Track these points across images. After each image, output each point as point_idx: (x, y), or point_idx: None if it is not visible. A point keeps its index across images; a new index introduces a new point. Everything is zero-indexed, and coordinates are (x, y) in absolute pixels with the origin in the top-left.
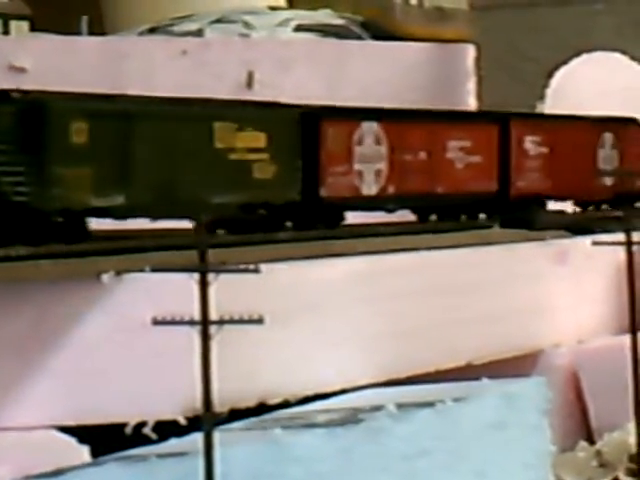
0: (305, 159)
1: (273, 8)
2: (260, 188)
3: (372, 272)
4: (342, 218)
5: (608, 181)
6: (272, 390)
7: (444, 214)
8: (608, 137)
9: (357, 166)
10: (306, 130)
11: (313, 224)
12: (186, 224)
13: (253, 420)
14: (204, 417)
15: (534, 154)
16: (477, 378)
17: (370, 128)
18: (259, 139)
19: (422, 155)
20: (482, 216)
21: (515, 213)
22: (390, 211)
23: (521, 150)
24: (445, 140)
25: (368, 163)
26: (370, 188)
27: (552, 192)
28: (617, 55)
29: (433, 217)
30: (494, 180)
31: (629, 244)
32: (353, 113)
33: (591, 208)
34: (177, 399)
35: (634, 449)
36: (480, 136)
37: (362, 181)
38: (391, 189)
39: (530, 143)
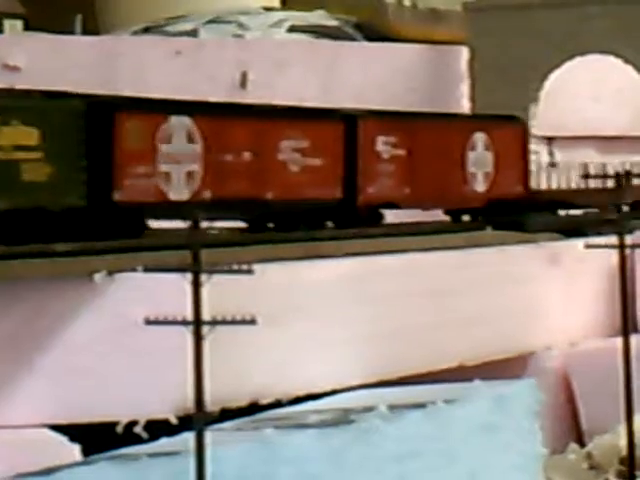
0: (92, 158)
1: (267, 9)
2: (31, 192)
3: (364, 274)
4: (144, 226)
5: (480, 187)
6: (264, 390)
7: (278, 223)
8: (480, 138)
9: (163, 167)
10: (94, 124)
11: (107, 233)
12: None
13: (244, 420)
14: (196, 417)
15: (388, 157)
16: (468, 380)
17: (181, 123)
18: (30, 135)
19: (246, 156)
20: (329, 225)
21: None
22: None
23: (372, 152)
24: (276, 139)
25: (177, 164)
26: (180, 193)
27: (411, 200)
28: (610, 58)
29: (270, 225)
30: (338, 186)
31: (622, 247)
32: (158, 105)
33: (467, 218)
34: (169, 398)
35: (624, 452)
36: (321, 136)
37: (169, 184)
38: (207, 194)
39: (384, 144)
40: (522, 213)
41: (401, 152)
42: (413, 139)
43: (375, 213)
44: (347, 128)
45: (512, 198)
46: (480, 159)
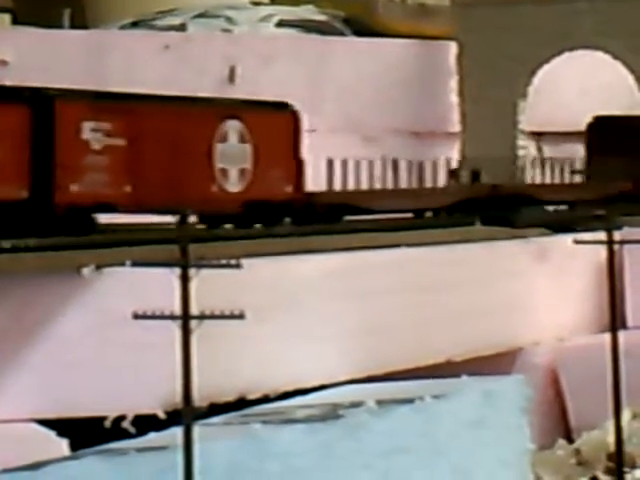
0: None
1: (256, 3)
2: None
3: (353, 269)
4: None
5: (233, 187)
6: (252, 385)
7: None
8: (234, 127)
9: None
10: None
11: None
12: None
13: (233, 415)
14: (184, 411)
15: (101, 147)
16: (456, 375)
17: None
18: None
19: None
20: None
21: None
22: None
23: (75, 141)
24: None
25: None
26: None
27: (133, 201)
28: (599, 54)
29: None
30: (25, 182)
31: (610, 243)
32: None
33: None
34: (157, 393)
35: (613, 448)
36: None
37: None
38: None
39: (93, 132)
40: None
41: (119, 142)
42: (136, 126)
43: (87, 218)
44: (37, 111)
45: (278, 200)
46: (233, 153)
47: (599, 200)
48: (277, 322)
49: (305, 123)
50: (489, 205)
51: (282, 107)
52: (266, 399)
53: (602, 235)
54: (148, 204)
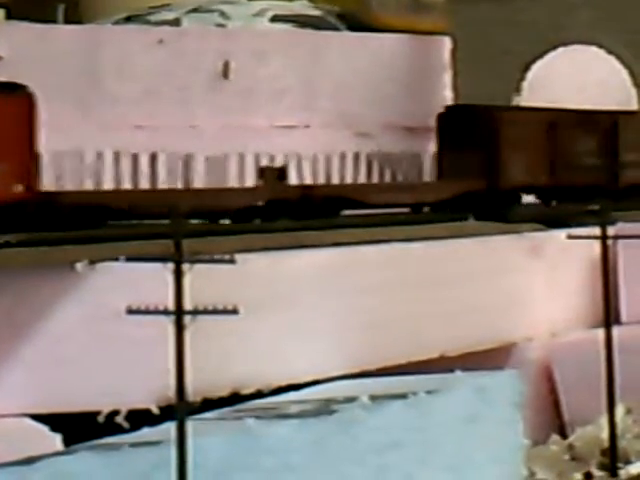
0: None
1: None
2: None
3: (346, 264)
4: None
5: None
6: (245, 380)
7: None
8: None
9: None
10: None
11: None
12: None
13: (226, 410)
14: (177, 406)
15: None
16: (450, 370)
17: None
18: None
19: None
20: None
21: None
22: None
23: None
24: None
25: None
26: None
27: None
28: (593, 48)
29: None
30: None
31: (604, 238)
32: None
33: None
34: (150, 388)
35: (606, 443)
36: None
37: None
38: None
39: None
40: None
41: None
42: None
43: None
44: None
45: (6, 201)
46: None
47: (447, 201)
48: (270, 317)
49: (299, 118)
50: (300, 208)
51: (12, 89)
52: (259, 394)
53: (596, 230)
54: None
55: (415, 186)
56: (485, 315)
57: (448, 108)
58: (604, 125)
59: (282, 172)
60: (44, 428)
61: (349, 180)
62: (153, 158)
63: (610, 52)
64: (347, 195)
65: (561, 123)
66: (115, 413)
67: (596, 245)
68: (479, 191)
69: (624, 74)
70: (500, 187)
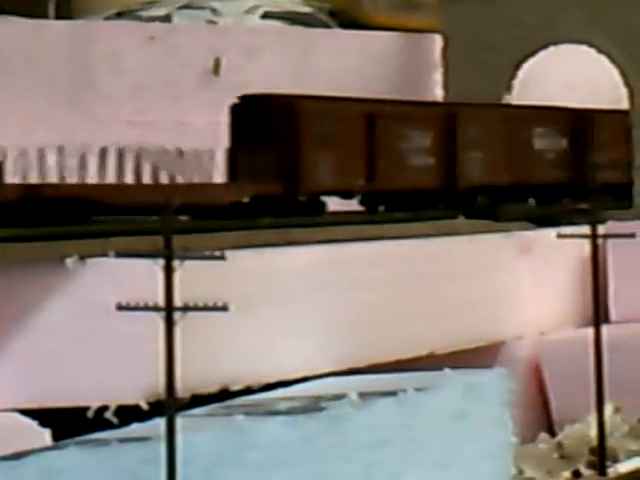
0: None
1: None
2: None
3: (336, 261)
4: None
5: None
6: (235, 377)
7: None
8: None
9: None
10: None
11: None
12: None
13: (215, 406)
14: (166, 402)
15: None
16: (439, 368)
17: None
18: None
19: None
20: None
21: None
22: None
23: None
24: None
25: None
26: None
27: None
28: (584, 48)
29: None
30: None
31: (594, 237)
32: None
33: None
34: (140, 384)
35: (595, 442)
36: None
37: None
38: None
39: None
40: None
41: None
42: None
43: None
44: None
45: None
46: None
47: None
48: (260, 314)
49: None
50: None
51: None
52: (249, 391)
53: (586, 229)
54: None
55: (188, 187)
56: (474, 313)
57: (243, 98)
58: (439, 119)
59: None
60: (33, 423)
61: None
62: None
63: (601, 51)
64: (81, 196)
65: (382, 116)
66: (104, 408)
67: (586, 244)
68: (276, 195)
69: (615, 73)
70: (301, 191)
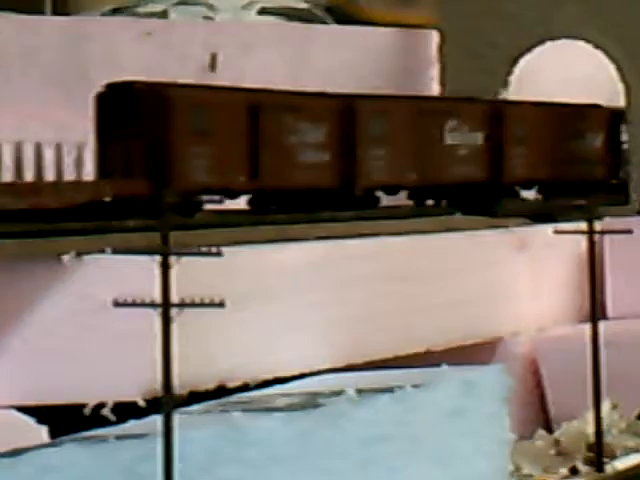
0: None
1: None
2: None
3: (333, 258)
4: None
5: None
6: (232, 373)
7: None
8: None
9: None
10: None
11: None
12: None
13: (212, 403)
14: (163, 399)
15: None
16: (437, 365)
17: None
18: None
19: None
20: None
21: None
22: None
23: None
24: None
25: None
26: None
27: None
28: (580, 43)
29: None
30: None
31: (591, 233)
32: None
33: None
34: (137, 381)
35: (592, 438)
36: None
37: None
38: None
39: None
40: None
41: None
42: None
43: None
44: None
45: None
46: None
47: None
48: (257, 310)
49: None
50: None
51: None
52: (246, 387)
53: (583, 225)
54: None
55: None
56: (472, 310)
57: (108, 86)
58: (335, 112)
59: None
60: (31, 420)
61: None
62: None
63: (597, 46)
64: None
65: (267, 107)
66: (101, 406)
67: (583, 240)
68: (144, 195)
69: (611, 69)
70: (172, 190)
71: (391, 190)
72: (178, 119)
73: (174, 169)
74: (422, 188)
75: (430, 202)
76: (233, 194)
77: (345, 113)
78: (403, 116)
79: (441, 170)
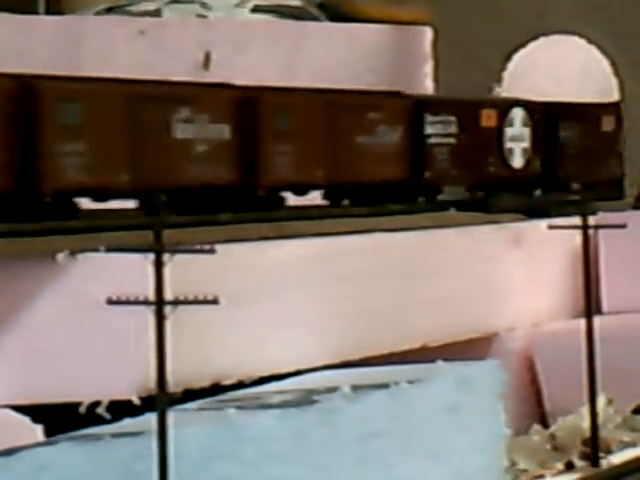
0: None
1: None
2: None
3: (328, 254)
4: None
5: None
6: (226, 371)
7: None
8: None
9: None
10: None
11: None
12: None
13: (207, 400)
14: (158, 397)
15: None
16: (432, 360)
17: None
18: None
19: None
20: None
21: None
22: None
23: None
24: None
25: None
26: None
27: None
28: (574, 38)
29: None
30: None
31: (585, 228)
32: None
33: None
34: (131, 379)
35: (588, 433)
36: None
37: None
38: None
39: None
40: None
41: None
42: None
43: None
44: None
45: None
46: None
47: None
48: (252, 307)
49: None
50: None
51: None
52: (241, 385)
53: (577, 220)
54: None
55: None
56: (467, 305)
57: None
58: (230, 106)
59: None
60: (25, 419)
61: None
62: None
63: (591, 42)
64: None
65: (146, 99)
66: (96, 404)
67: (577, 235)
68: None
69: (605, 64)
70: (41, 191)
71: (299, 190)
72: (44, 113)
73: (41, 168)
74: (335, 187)
75: (346, 202)
76: (109, 196)
77: (244, 107)
78: (308, 110)
79: (353, 168)
